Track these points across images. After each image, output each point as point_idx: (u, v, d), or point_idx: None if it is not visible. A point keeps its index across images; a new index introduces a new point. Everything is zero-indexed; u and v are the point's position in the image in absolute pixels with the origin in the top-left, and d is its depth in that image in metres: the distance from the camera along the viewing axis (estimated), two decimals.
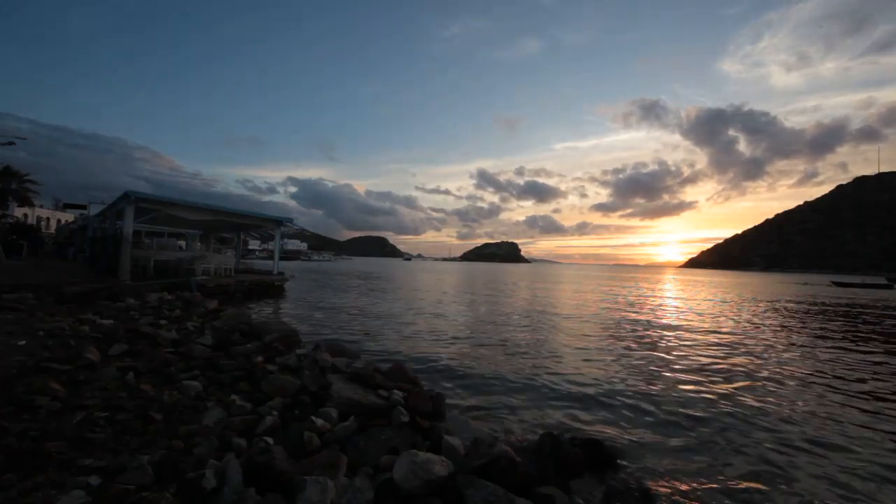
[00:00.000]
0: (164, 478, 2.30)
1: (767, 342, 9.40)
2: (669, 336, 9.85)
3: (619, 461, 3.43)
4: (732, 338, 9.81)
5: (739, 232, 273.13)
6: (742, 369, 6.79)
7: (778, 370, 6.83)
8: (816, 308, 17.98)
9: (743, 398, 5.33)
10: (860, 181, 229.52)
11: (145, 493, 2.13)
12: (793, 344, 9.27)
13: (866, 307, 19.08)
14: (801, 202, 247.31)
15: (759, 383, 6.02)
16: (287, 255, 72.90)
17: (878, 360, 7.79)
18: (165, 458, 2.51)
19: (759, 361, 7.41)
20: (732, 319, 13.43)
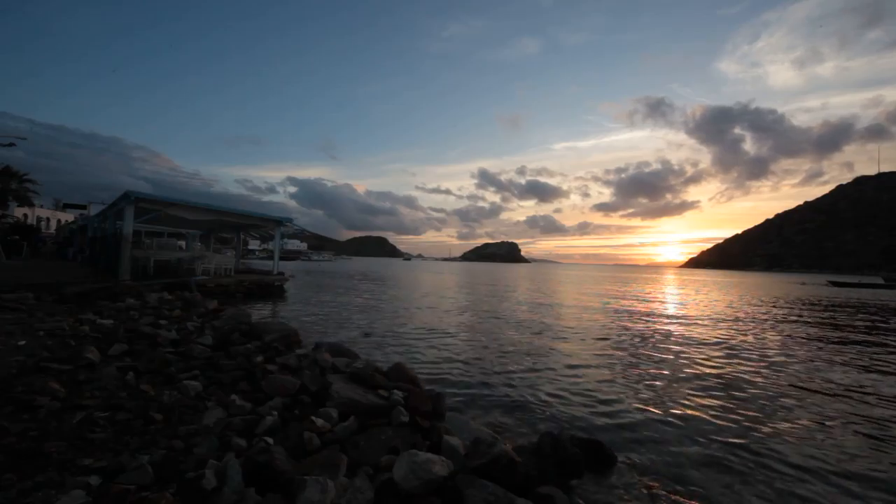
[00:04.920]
0: (164, 478, 2.30)
1: (769, 343, 9.39)
2: (670, 337, 9.85)
3: (619, 461, 3.43)
4: (733, 339, 9.81)
5: (740, 232, 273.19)
6: (743, 370, 6.80)
7: (780, 372, 6.84)
8: (814, 307, 17.98)
9: (744, 400, 5.33)
10: (860, 181, 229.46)
11: (145, 493, 2.13)
12: (795, 347, 9.28)
13: (859, 306, 19.10)
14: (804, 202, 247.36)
15: (762, 384, 6.02)
16: (287, 255, 72.89)
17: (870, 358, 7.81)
18: (165, 458, 2.52)
19: (761, 363, 7.41)
20: (732, 320, 13.42)
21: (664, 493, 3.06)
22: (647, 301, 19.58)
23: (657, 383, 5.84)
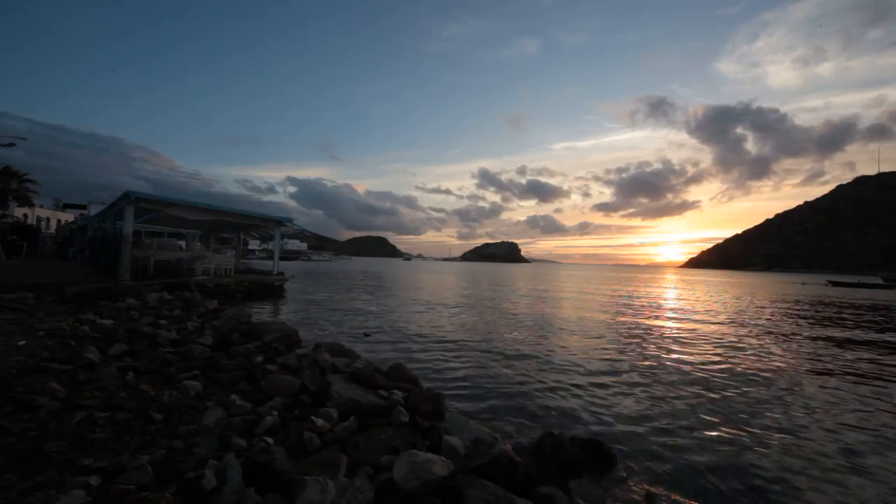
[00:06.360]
0: (164, 478, 2.30)
1: (771, 343, 9.39)
2: (673, 340, 9.85)
3: (619, 461, 3.43)
4: (735, 339, 9.81)
5: (740, 232, 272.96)
6: (747, 375, 6.79)
7: (781, 372, 6.84)
8: (815, 307, 17.98)
9: (745, 400, 5.33)
10: (860, 181, 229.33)
11: (145, 493, 2.12)
12: (796, 345, 9.28)
13: (858, 306, 19.10)
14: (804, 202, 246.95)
15: (762, 384, 6.02)
16: (287, 255, 72.88)
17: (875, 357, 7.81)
18: (165, 458, 2.52)
19: (762, 363, 7.41)
20: (733, 320, 13.42)
21: (664, 493, 3.06)
22: (650, 302, 19.58)
23: (659, 386, 5.83)
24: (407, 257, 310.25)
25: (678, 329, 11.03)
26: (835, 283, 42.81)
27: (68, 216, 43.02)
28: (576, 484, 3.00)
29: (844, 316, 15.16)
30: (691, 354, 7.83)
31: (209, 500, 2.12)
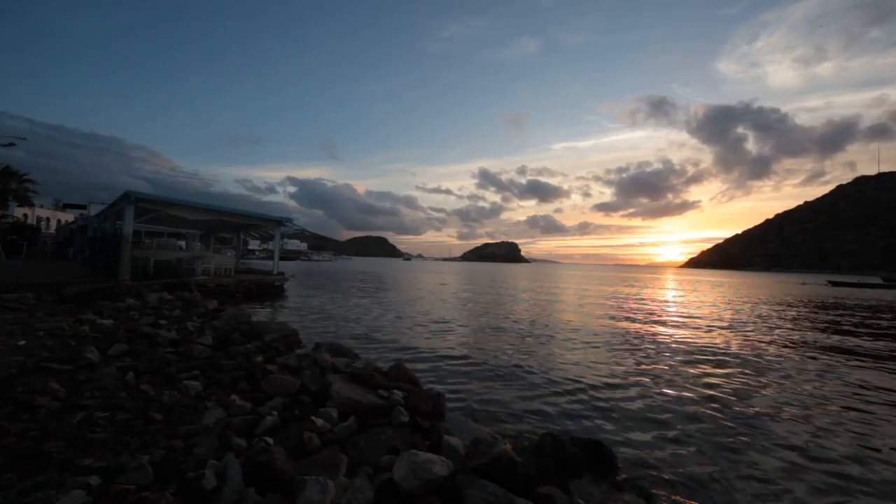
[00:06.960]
0: (164, 478, 2.30)
1: (771, 344, 9.39)
2: (672, 340, 9.85)
3: (619, 462, 3.43)
4: (735, 340, 9.81)
5: (740, 232, 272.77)
6: (744, 371, 6.80)
7: (781, 372, 6.84)
8: (815, 307, 17.98)
9: (745, 400, 5.33)
10: (860, 181, 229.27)
11: (145, 493, 2.12)
12: (797, 347, 9.27)
13: (857, 306, 19.11)
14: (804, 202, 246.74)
15: (762, 385, 6.03)
16: (287, 255, 72.86)
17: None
18: (165, 458, 2.52)
19: (762, 364, 7.42)
20: (735, 321, 13.42)
21: (664, 493, 3.06)
22: (651, 304, 19.58)
23: (660, 389, 5.81)
24: (407, 257, 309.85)
25: (680, 332, 11.03)
26: (835, 283, 42.87)
27: (68, 216, 43.01)
28: (576, 484, 3.00)
29: (851, 317, 15.16)
30: (693, 357, 7.83)
31: (209, 500, 2.12)
